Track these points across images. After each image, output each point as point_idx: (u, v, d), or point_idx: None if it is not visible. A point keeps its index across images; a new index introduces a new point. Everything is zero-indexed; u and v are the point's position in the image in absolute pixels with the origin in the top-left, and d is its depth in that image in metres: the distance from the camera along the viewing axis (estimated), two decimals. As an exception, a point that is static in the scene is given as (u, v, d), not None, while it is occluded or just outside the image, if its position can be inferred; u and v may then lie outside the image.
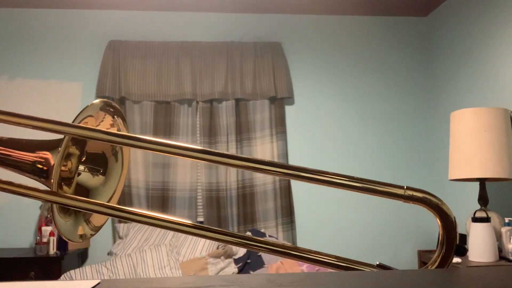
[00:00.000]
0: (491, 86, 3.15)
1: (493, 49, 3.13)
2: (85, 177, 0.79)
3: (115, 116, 0.80)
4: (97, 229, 0.77)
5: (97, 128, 0.75)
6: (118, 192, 0.82)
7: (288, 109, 3.89)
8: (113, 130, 0.79)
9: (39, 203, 3.47)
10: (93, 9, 3.81)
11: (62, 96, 3.75)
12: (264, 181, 3.72)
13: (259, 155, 3.74)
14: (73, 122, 0.70)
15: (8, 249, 3.45)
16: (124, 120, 0.81)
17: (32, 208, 3.58)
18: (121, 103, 3.69)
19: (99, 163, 0.81)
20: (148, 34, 3.83)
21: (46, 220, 3.32)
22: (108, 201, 0.80)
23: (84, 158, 0.79)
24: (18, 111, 3.68)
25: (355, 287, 0.49)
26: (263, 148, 3.75)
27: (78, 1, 3.67)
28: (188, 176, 3.67)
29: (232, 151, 3.70)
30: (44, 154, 0.71)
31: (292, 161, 3.83)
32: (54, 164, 0.69)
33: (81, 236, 0.74)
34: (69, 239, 0.72)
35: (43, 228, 3.29)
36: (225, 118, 3.75)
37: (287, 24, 3.96)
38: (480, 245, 2.47)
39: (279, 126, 3.77)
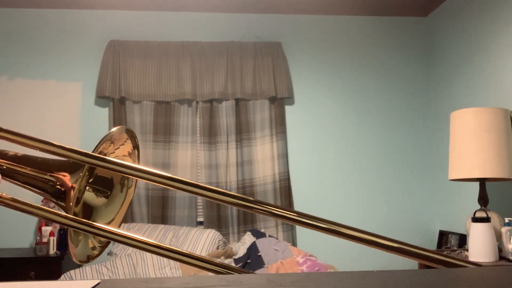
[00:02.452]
0: (491, 86, 3.15)
1: (493, 49, 3.13)
2: (90, 196, 0.80)
3: (135, 150, 0.82)
4: (104, 244, 0.78)
5: (117, 159, 0.76)
6: (118, 218, 0.83)
7: (288, 109, 3.89)
8: (128, 160, 0.81)
9: (39, 203, 3.47)
10: (93, 9, 3.81)
11: (62, 96, 3.75)
12: (264, 181, 3.72)
13: (259, 155, 3.74)
14: (95, 148, 0.72)
15: (8, 249, 3.45)
16: (139, 160, 0.83)
17: (32, 208, 3.58)
18: (121, 103, 3.69)
19: (106, 186, 0.82)
20: (148, 34, 3.83)
21: (46, 220, 3.31)
22: (109, 224, 0.81)
23: (92, 179, 0.80)
24: (18, 111, 3.68)
25: (355, 287, 0.49)
26: (263, 148, 3.75)
27: (78, 1, 3.67)
28: (188, 176, 3.66)
29: (232, 151, 3.70)
30: (63, 175, 0.73)
31: (292, 161, 3.84)
32: (74, 188, 0.71)
33: (92, 248, 0.75)
34: (80, 260, 0.73)
35: (43, 228, 3.29)
36: (225, 118, 3.75)
37: (287, 24, 3.96)
38: (480, 245, 2.47)
39: (279, 126, 3.77)
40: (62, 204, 0.73)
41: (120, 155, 0.79)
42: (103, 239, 0.76)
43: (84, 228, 0.63)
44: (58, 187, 0.73)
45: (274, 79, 3.79)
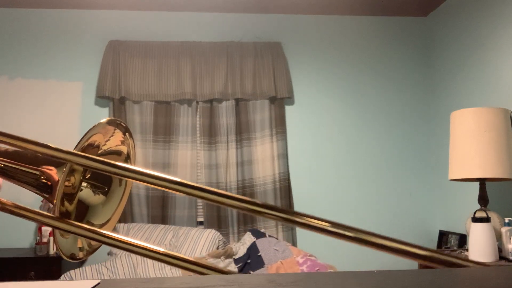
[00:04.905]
0: (491, 86, 3.15)
1: (493, 49, 3.13)
2: (86, 193, 0.79)
3: (127, 134, 0.80)
4: (92, 250, 0.76)
5: (103, 156, 0.75)
6: (115, 218, 0.81)
7: (288, 109, 3.89)
8: (124, 148, 0.79)
9: (39, 202, 3.47)
10: (93, 9, 3.81)
11: (62, 96, 3.75)
12: (264, 181, 3.72)
13: (259, 155, 3.74)
14: (79, 141, 0.70)
15: (8, 249, 3.45)
16: (133, 140, 0.81)
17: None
18: (121, 103, 3.69)
19: (103, 181, 0.80)
20: (148, 34, 3.83)
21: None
22: (104, 224, 0.80)
23: (88, 175, 0.79)
24: (18, 111, 3.68)
25: (355, 287, 0.49)
26: (263, 148, 3.75)
27: (78, 1, 3.67)
28: (188, 176, 3.66)
29: (232, 151, 3.70)
30: (49, 169, 0.72)
31: (292, 161, 3.83)
32: (58, 180, 0.70)
33: (80, 248, 0.74)
34: (67, 256, 0.72)
35: (43, 228, 3.29)
36: (225, 118, 3.75)
37: (287, 24, 3.96)
38: (480, 245, 2.47)
39: (279, 126, 3.77)
40: (47, 196, 0.72)
41: (113, 146, 0.78)
42: (94, 243, 0.75)
43: (69, 229, 0.62)
44: (44, 181, 0.72)
45: (274, 79, 3.79)
